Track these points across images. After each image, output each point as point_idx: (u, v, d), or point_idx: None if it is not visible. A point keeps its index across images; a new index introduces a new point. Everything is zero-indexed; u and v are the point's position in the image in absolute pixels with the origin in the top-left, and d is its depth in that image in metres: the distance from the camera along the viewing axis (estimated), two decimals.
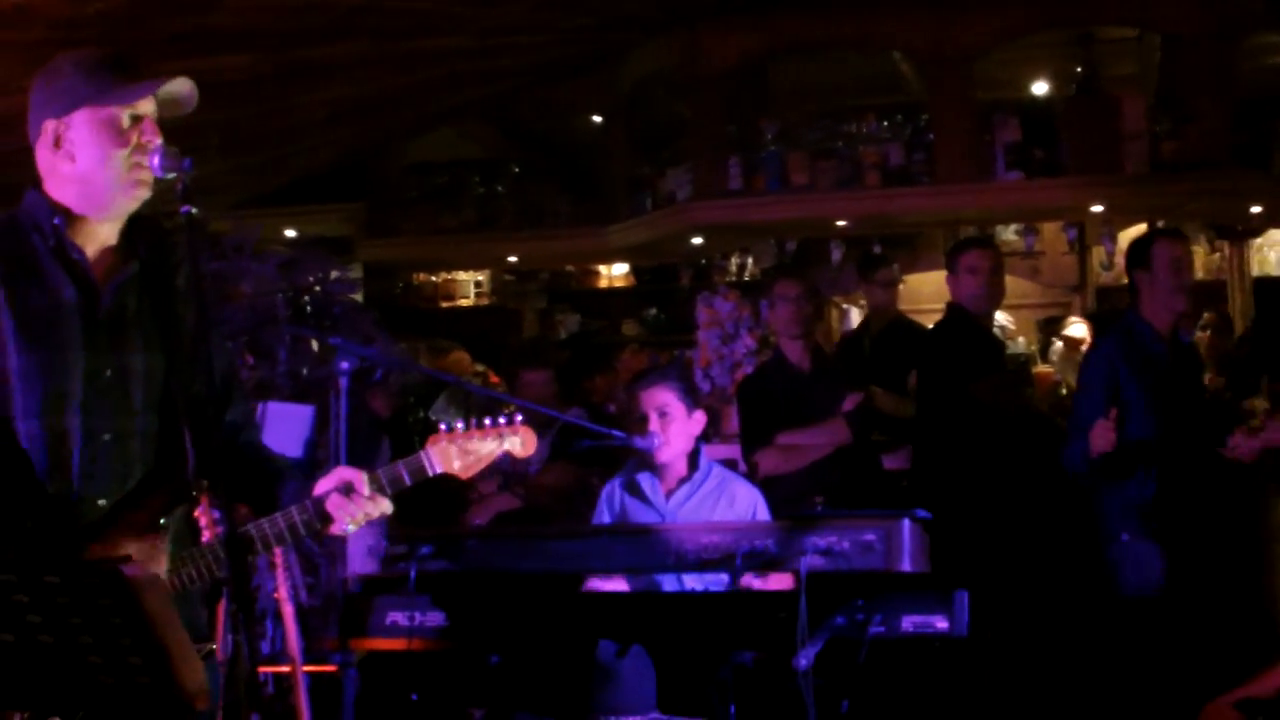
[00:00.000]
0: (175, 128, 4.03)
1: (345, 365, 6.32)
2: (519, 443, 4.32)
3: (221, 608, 5.19)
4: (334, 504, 4.02)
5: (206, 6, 8.19)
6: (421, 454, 4.19)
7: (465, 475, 4.28)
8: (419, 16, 9.63)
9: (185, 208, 3.74)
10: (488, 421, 4.28)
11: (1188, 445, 6.93)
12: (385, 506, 4.08)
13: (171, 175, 3.83)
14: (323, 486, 4.06)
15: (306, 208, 14.38)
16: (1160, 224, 12.53)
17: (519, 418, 4.33)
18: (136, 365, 4.02)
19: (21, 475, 3.84)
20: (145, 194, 3.97)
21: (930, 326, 10.04)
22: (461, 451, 4.23)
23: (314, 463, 7.14)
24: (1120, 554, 6.97)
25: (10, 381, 3.84)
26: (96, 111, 3.92)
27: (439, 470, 4.20)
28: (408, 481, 4.14)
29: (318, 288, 8.57)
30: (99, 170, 3.92)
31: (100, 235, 4.02)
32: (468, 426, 4.28)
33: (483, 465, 4.29)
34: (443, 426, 4.26)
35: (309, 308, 8.53)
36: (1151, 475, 6.90)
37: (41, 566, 2.82)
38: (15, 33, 7.41)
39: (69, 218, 3.95)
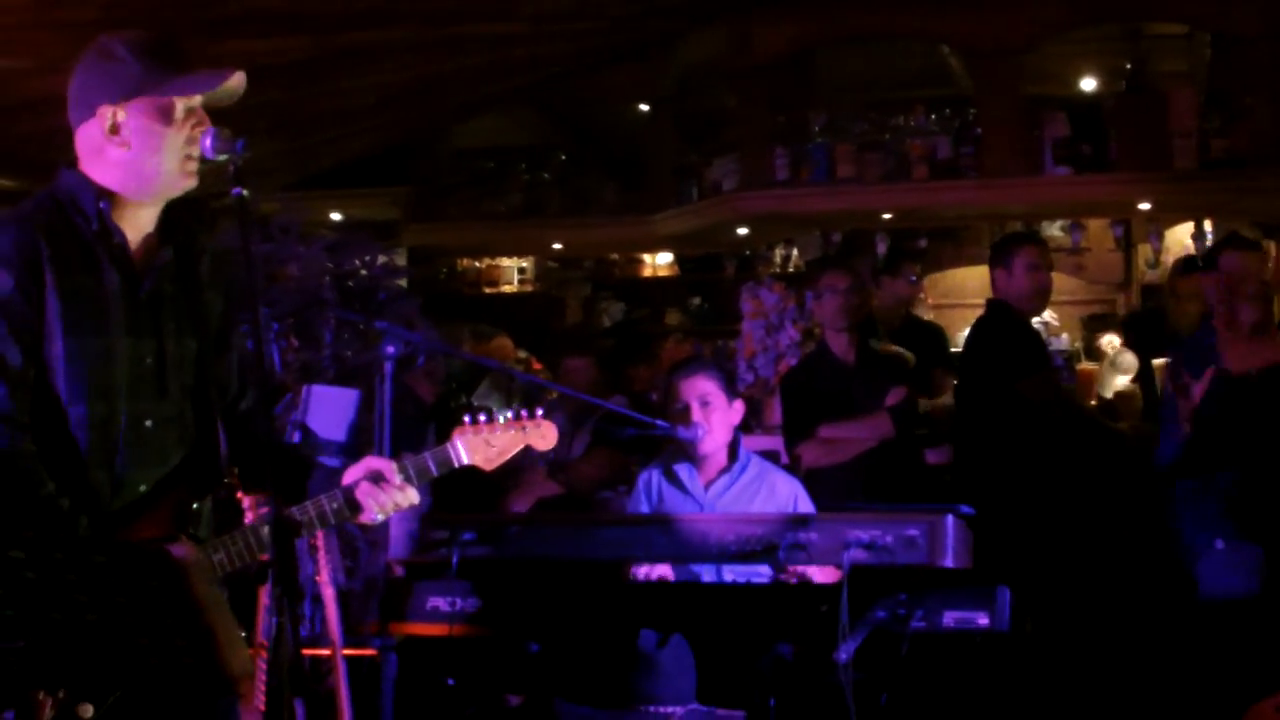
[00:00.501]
0: (224, 109, 4.03)
1: (390, 350, 6.33)
2: (540, 436, 4.38)
3: (264, 591, 5.22)
4: (363, 492, 4.08)
5: None
6: (448, 445, 4.26)
7: (489, 467, 4.34)
8: (469, 1, 9.64)
9: (236, 190, 3.74)
10: (509, 414, 4.34)
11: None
12: (413, 496, 4.15)
13: (223, 157, 3.82)
14: (352, 475, 4.12)
15: (352, 191, 14.38)
16: (1208, 223, 12.51)
17: (539, 412, 4.39)
18: (173, 351, 4.05)
19: (68, 459, 3.85)
20: (192, 184, 3.97)
21: (937, 323, 10.07)
22: (486, 444, 4.30)
23: (358, 446, 7.15)
24: (1211, 559, 6.91)
25: (55, 366, 3.84)
26: (155, 100, 3.90)
27: (465, 462, 4.27)
28: (435, 472, 4.22)
29: (364, 272, 8.57)
30: (152, 158, 3.91)
31: (140, 220, 4.02)
32: (491, 417, 4.33)
33: (506, 458, 4.36)
34: (466, 419, 4.31)
35: (354, 291, 8.54)
36: (1236, 474, 6.87)
37: (90, 547, 2.83)
38: (67, 12, 7.43)
39: (112, 201, 3.95)
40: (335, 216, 13.94)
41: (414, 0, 9.27)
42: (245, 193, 3.74)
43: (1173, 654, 6.89)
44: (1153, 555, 7.18)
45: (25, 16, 7.42)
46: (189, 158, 3.92)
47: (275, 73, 9.48)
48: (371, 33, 9.68)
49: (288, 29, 9.01)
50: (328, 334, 8.16)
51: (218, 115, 3.98)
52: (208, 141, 3.84)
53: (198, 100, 3.96)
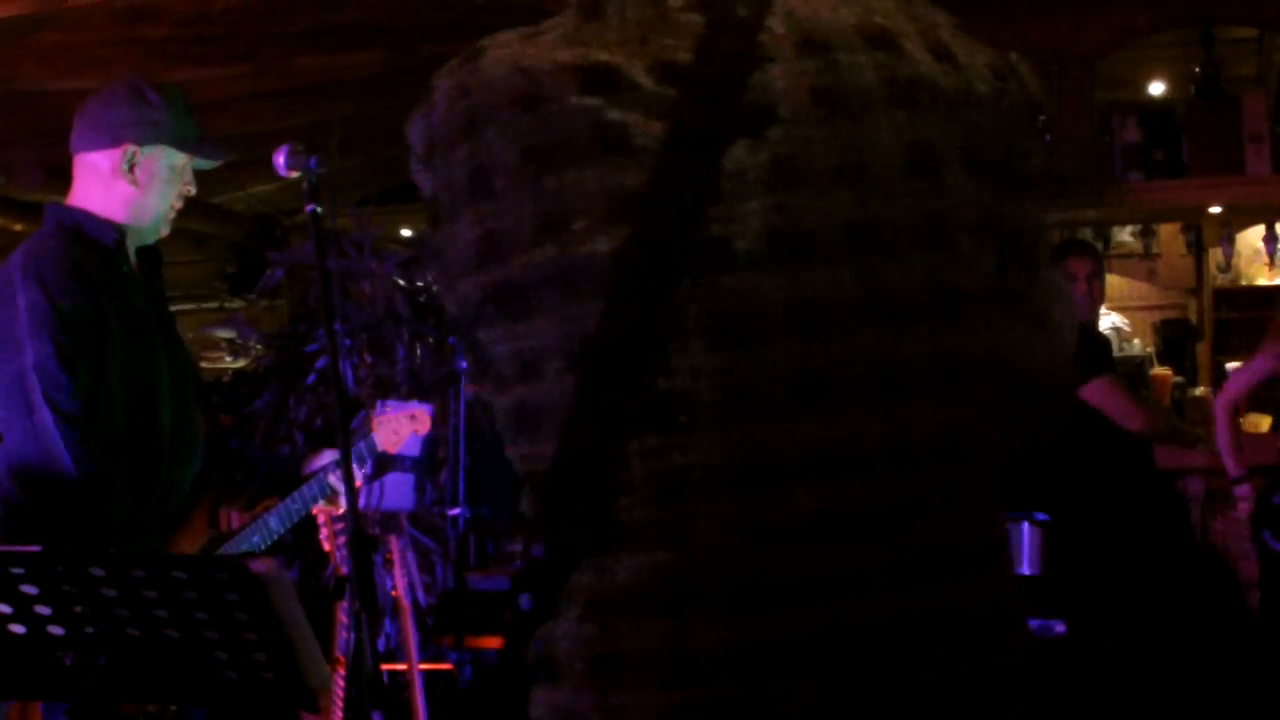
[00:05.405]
0: (295, 126, 4.12)
1: (464, 364, 6.37)
2: (422, 422, 5.23)
3: (340, 607, 5.38)
4: (337, 478, 4.63)
5: (335, 4, 8.23)
6: (374, 435, 5.00)
7: (392, 450, 5.22)
8: (541, 15, 9.63)
9: (310, 206, 3.78)
10: (392, 405, 5.26)
11: None
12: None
13: (297, 174, 3.86)
14: (321, 461, 4.73)
15: (422, 207, 14.35)
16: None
17: (417, 402, 5.35)
18: (184, 363, 4.53)
19: (147, 462, 4.23)
20: (165, 231, 4.47)
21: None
22: (394, 431, 5.10)
23: (434, 460, 7.17)
24: None
25: (123, 379, 4.17)
26: (171, 153, 4.36)
27: (382, 448, 5.06)
28: (368, 457, 5.05)
29: (436, 288, 8.60)
30: (154, 200, 4.37)
31: (131, 253, 4.43)
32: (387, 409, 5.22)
33: (404, 439, 5.18)
34: (375, 412, 5.18)
35: (427, 307, 8.56)
36: None
37: (169, 562, 2.86)
38: (141, 29, 7.47)
39: (117, 232, 4.36)
40: (405, 232, 13.96)
41: (489, 14, 9.28)
42: (319, 209, 3.78)
43: (1247, 663, 6.85)
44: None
45: (103, 35, 7.47)
46: (173, 208, 4.43)
47: (348, 88, 9.50)
48: (445, 46, 9.67)
49: (361, 44, 9.03)
50: (401, 349, 8.20)
51: (291, 131, 4.07)
52: (280, 158, 3.88)
53: (190, 162, 4.45)
